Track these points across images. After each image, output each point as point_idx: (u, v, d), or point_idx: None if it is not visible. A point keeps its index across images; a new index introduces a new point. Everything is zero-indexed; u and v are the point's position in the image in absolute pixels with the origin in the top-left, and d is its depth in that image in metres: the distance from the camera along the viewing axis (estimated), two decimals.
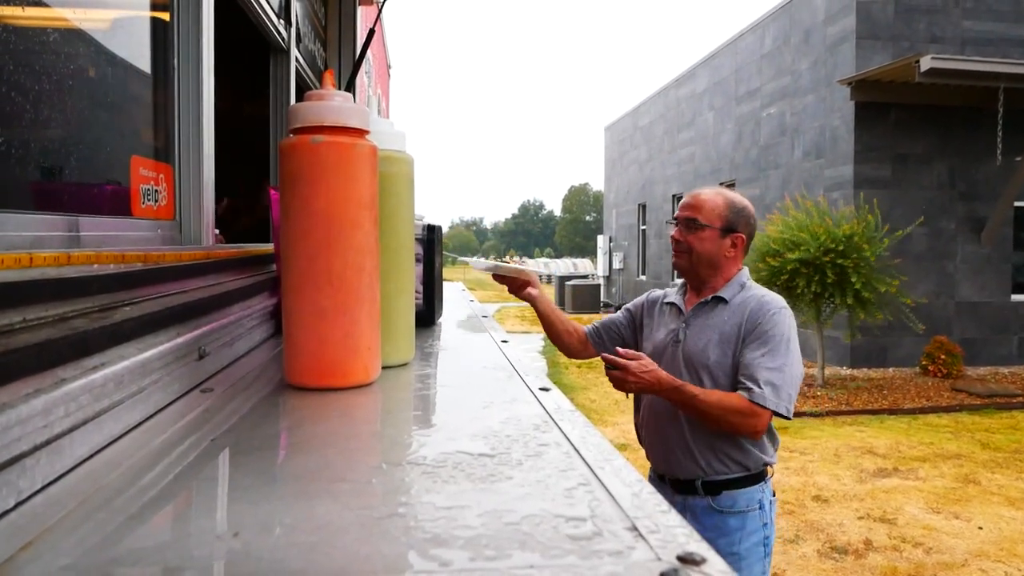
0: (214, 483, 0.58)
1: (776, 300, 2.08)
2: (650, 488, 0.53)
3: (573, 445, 0.64)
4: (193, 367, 0.85)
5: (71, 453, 0.56)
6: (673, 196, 17.38)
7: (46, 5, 0.85)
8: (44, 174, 0.86)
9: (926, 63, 8.22)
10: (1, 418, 0.47)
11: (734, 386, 2.01)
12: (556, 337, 2.46)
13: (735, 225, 2.14)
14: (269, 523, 0.47)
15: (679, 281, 2.33)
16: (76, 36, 0.91)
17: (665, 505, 0.50)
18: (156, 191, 1.12)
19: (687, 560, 0.41)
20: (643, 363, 1.94)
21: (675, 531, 0.46)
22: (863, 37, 9.92)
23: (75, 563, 0.41)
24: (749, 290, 2.12)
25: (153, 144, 1.15)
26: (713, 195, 2.15)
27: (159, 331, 0.78)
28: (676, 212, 2.21)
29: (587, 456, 0.61)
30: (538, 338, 14.00)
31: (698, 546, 0.43)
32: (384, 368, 0.96)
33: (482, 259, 2.40)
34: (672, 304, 2.27)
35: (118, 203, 1.02)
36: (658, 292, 2.46)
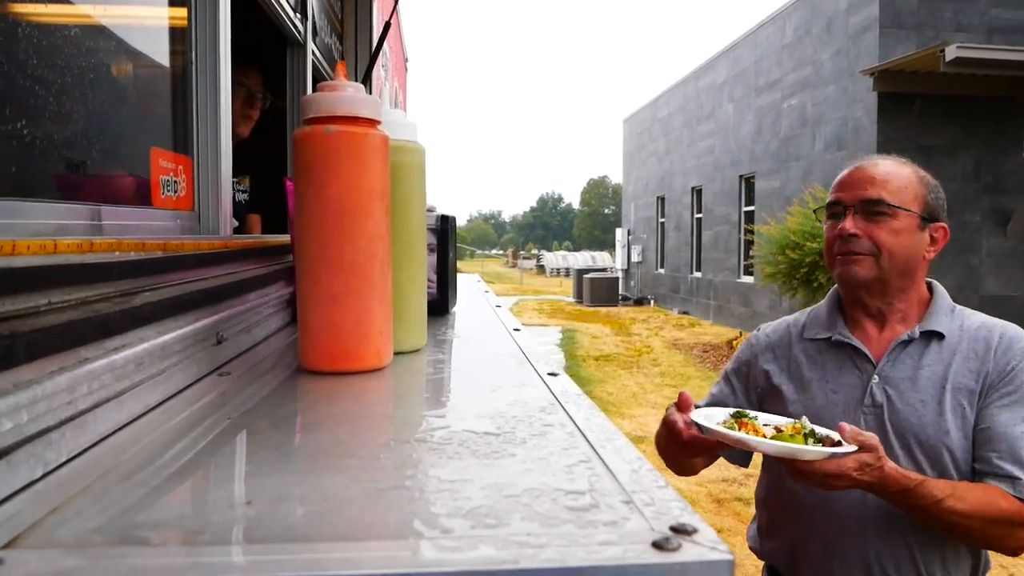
0: (230, 458, 0.60)
1: (1020, 332, 1.40)
2: (649, 465, 0.55)
3: (577, 426, 0.66)
4: (211, 351, 0.88)
5: (94, 429, 0.59)
6: (692, 189, 17.28)
7: (69, 2, 0.88)
8: (68, 165, 0.89)
9: (951, 52, 8.09)
10: (28, 393, 0.50)
11: (973, 467, 1.32)
12: (689, 467, 1.58)
13: (936, 211, 1.44)
14: (281, 494, 0.49)
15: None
16: (98, 32, 0.94)
17: (662, 481, 0.52)
18: (175, 182, 1.15)
19: (679, 530, 0.43)
20: (866, 457, 1.17)
21: (670, 504, 0.47)
22: (886, 26, 9.78)
23: (101, 527, 0.43)
24: (966, 317, 1.43)
25: (172, 136, 1.18)
26: (896, 166, 1.45)
27: (178, 316, 0.81)
28: (834, 193, 1.47)
29: (590, 436, 0.63)
30: (555, 331, 14.01)
31: (691, 518, 0.45)
32: (397, 354, 0.98)
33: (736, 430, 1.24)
34: (836, 342, 1.47)
35: (139, 193, 1.05)
36: (771, 327, 1.62)
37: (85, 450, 0.57)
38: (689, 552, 0.40)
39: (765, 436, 1.22)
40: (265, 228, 2.36)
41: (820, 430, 1.24)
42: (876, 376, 1.40)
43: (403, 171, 1.01)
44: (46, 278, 0.63)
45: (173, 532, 0.44)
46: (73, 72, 0.87)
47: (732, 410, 1.32)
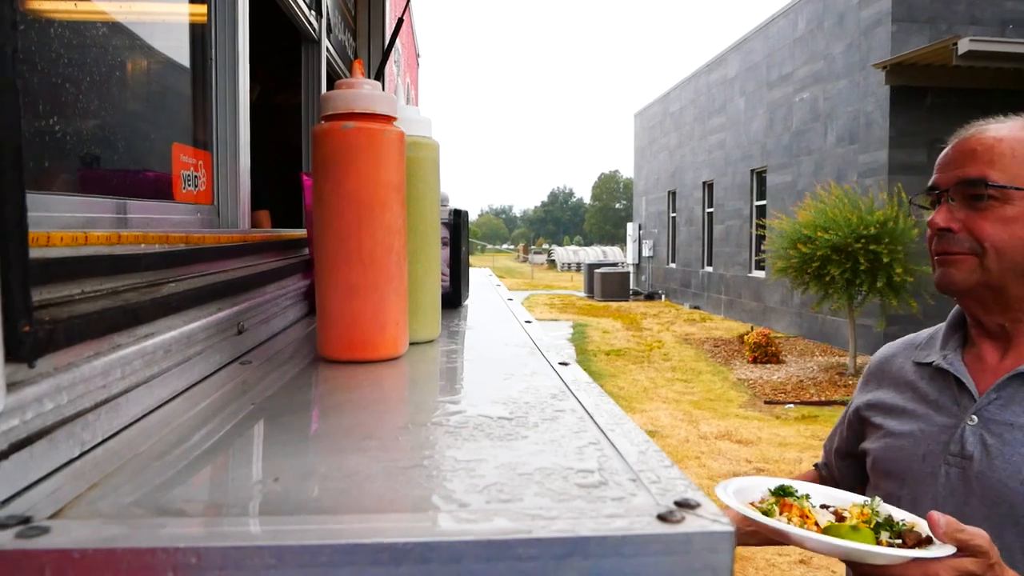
0: (255, 440, 0.63)
1: None
2: (656, 447, 0.57)
3: (587, 411, 0.69)
4: (233, 341, 0.91)
5: (126, 412, 0.62)
6: (703, 183, 17.23)
7: (95, 1, 0.91)
8: (95, 161, 0.92)
9: (964, 45, 8.03)
10: (68, 375, 0.53)
11: None
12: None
13: None
14: (304, 472, 0.52)
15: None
16: (122, 31, 0.97)
17: (668, 461, 0.54)
18: (196, 177, 1.18)
19: (683, 504, 0.45)
20: (970, 565, 0.84)
21: (675, 481, 0.49)
22: (899, 20, 9.72)
23: (138, 501, 0.46)
24: None
25: (192, 132, 1.21)
26: (1017, 129, 1.12)
27: (202, 306, 0.84)
28: (934, 174, 1.17)
29: (599, 420, 0.65)
30: (566, 325, 14.03)
31: (695, 494, 0.47)
32: (412, 344, 1.01)
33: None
34: (939, 368, 1.14)
35: (161, 188, 1.08)
36: (888, 347, 1.30)
37: (118, 431, 0.60)
38: (692, 524, 0.42)
39: (817, 523, 0.92)
40: (274, 224, 2.40)
41: (901, 514, 0.93)
42: (973, 416, 1.05)
43: (418, 166, 1.03)
44: (79, 268, 0.66)
45: (206, 506, 0.47)
46: (100, 70, 0.90)
47: (773, 485, 1.02)
